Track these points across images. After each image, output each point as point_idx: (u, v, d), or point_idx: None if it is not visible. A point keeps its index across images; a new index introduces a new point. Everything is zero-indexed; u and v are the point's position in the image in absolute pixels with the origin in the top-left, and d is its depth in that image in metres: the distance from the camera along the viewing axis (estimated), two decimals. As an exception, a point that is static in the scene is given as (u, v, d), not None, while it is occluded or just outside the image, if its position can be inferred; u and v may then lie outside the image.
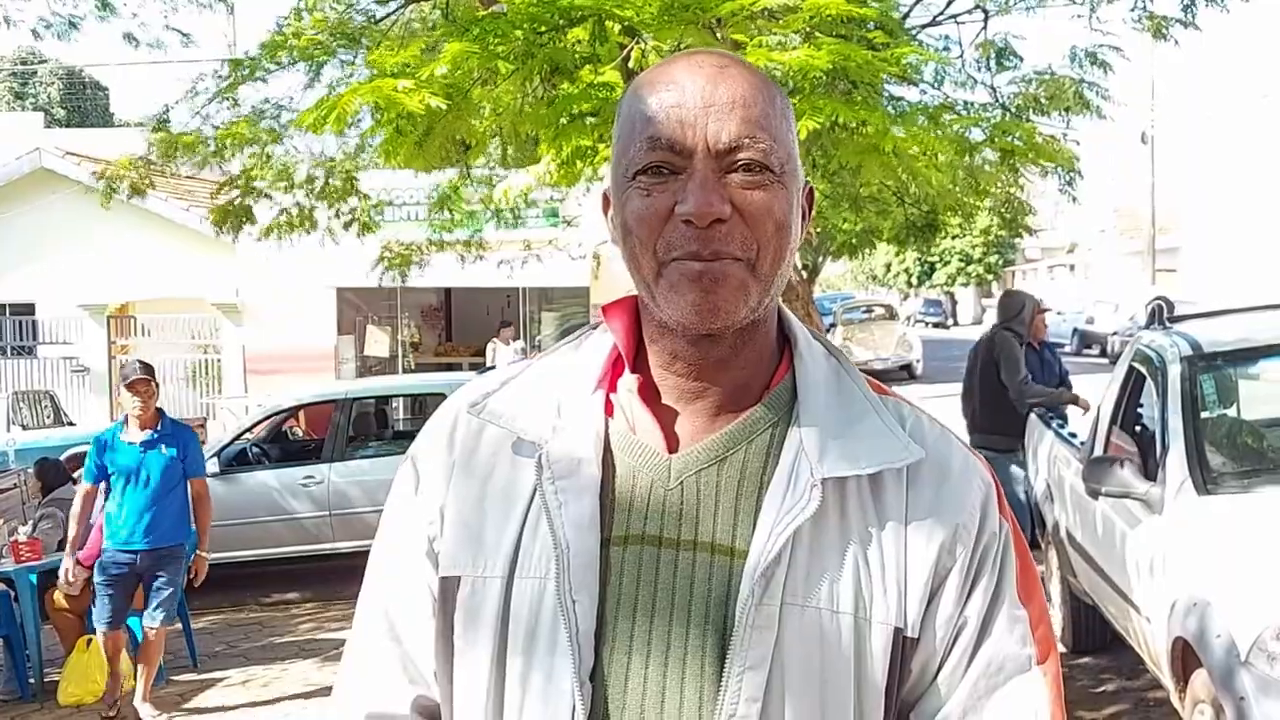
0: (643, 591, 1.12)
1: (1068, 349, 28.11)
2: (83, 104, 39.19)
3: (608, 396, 1.21)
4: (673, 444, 1.17)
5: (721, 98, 1.12)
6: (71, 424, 15.13)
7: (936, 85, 6.33)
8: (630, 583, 1.13)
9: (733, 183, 1.11)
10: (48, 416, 14.88)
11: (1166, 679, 4.47)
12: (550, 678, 1.11)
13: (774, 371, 1.21)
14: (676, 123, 1.11)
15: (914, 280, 53.20)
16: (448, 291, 19.33)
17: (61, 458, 9.89)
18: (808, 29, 4.33)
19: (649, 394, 1.20)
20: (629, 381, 1.20)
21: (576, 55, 4.18)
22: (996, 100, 6.25)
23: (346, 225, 8.53)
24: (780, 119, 1.15)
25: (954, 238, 47.18)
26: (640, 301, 1.21)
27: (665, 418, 1.18)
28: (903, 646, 1.14)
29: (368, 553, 1.35)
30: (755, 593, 1.09)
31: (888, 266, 53.70)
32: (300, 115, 4.86)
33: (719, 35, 4.56)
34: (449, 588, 1.19)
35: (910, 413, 1.23)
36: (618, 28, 4.24)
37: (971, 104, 6.25)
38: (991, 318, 8.49)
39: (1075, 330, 29.74)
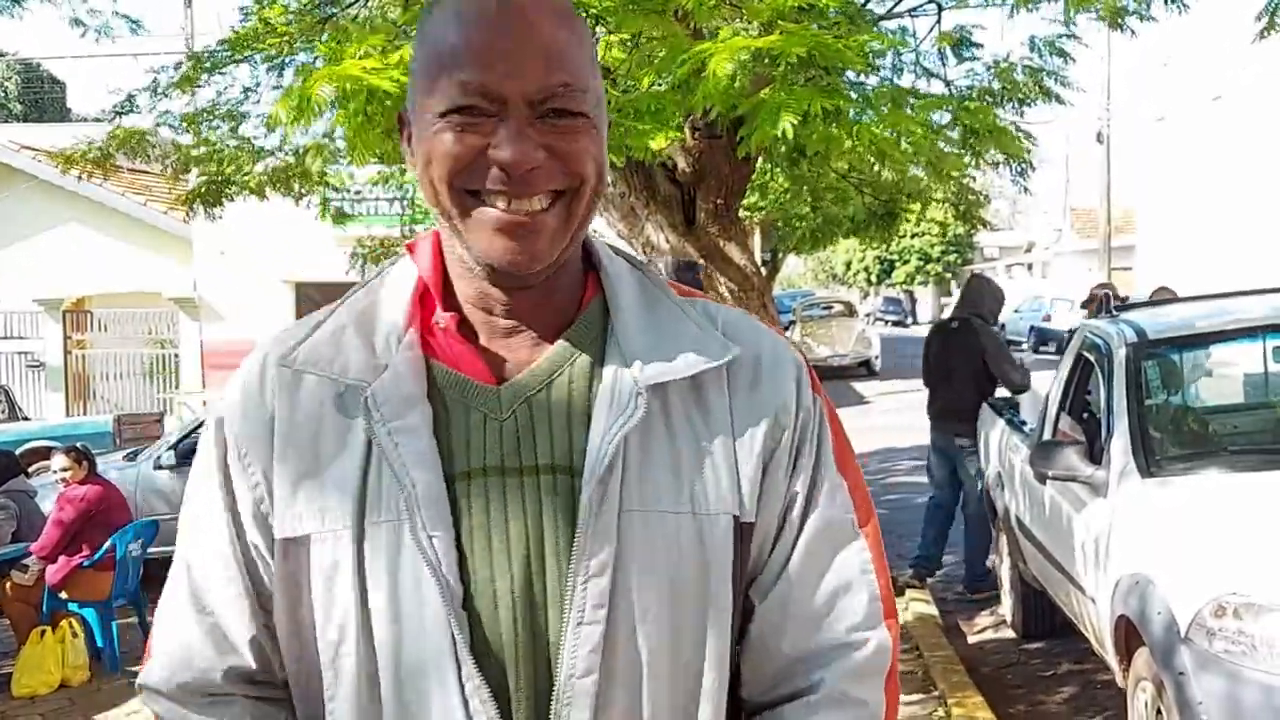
0: (494, 520, 1.14)
1: (1025, 346, 28.38)
2: (40, 99, 38.65)
3: (423, 335, 1.21)
4: (498, 376, 1.19)
5: (535, 40, 1.11)
6: (26, 419, 14.97)
7: (895, 77, 6.39)
8: (480, 513, 1.14)
9: (546, 127, 1.12)
10: (2, 412, 14.71)
11: (1110, 658, 4.55)
12: (421, 617, 1.11)
13: (583, 293, 1.24)
14: (488, 67, 1.10)
15: (874, 278, 53.47)
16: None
17: (17, 452, 9.83)
18: (770, 19, 4.36)
19: (465, 329, 1.21)
20: (444, 319, 1.20)
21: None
22: (953, 94, 6.30)
23: (322, 213, 8.47)
24: (588, 60, 1.16)
25: (913, 236, 47.48)
26: (444, 238, 1.22)
27: (486, 351, 1.20)
28: (742, 532, 1.19)
29: None
30: (593, 503, 1.12)
31: (848, 264, 53.96)
32: (272, 112, 4.79)
33: (680, 25, 4.59)
34: (292, 548, 1.16)
35: (718, 310, 1.27)
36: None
37: (930, 95, 6.31)
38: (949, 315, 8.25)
39: (1032, 328, 29.99)
